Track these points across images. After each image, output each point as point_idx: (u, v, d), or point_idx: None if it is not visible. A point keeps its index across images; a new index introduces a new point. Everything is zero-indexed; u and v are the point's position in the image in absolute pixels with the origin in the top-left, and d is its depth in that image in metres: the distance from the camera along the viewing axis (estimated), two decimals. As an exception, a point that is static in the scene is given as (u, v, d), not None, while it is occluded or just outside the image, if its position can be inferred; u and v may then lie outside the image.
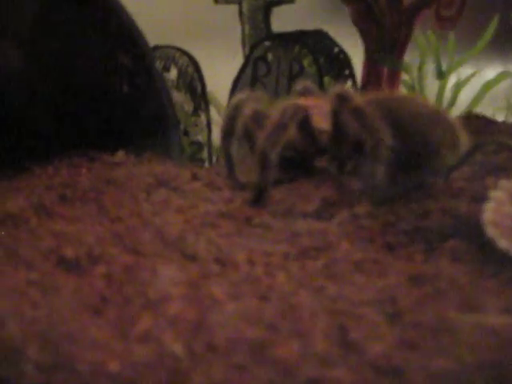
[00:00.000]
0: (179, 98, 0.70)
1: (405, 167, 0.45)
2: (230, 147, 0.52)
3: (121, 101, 0.59)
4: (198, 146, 0.72)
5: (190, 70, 0.70)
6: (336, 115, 0.47)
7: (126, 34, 0.59)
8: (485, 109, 0.72)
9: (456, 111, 0.72)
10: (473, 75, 0.72)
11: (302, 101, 0.50)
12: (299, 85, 0.56)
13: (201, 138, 0.72)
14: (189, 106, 0.71)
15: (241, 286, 0.37)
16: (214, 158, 0.73)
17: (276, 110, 0.47)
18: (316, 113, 0.50)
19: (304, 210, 0.45)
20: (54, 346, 0.30)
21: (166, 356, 0.31)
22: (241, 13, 0.69)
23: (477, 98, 0.72)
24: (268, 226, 0.44)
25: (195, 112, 0.71)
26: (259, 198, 0.46)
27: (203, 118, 0.71)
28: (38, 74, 0.60)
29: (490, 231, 0.40)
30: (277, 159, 0.45)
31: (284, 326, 0.33)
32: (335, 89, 0.47)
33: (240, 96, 0.52)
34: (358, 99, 0.46)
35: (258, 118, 0.49)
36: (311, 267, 0.39)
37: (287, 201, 0.47)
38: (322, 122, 0.49)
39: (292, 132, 0.46)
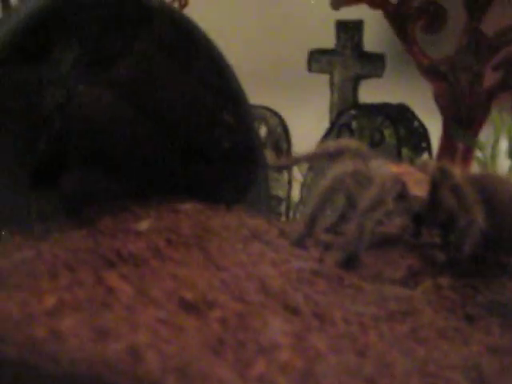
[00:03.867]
0: (266, 155, 0.76)
1: (493, 247, 0.50)
2: (321, 215, 0.54)
3: (220, 156, 0.65)
4: (278, 200, 0.78)
5: (279, 129, 0.76)
6: (435, 187, 0.51)
7: (232, 91, 0.64)
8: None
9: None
10: (544, 156, 0.76)
11: (394, 168, 0.54)
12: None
13: (281, 192, 0.78)
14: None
15: (339, 341, 0.42)
16: (291, 213, 0.78)
17: (375, 184, 0.50)
18: (408, 179, 0.53)
19: (391, 277, 0.50)
20: (189, 380, 0.35)
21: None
22: (331, 82, 0.75)
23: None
24: (359, 287, 0.49)
25: (278, 169, 0.77)
26: (351, 261, 0.51)
27: (285, 175, 0.77)
28: (145, 125, 0.66)
29: None
30: (373, 230, 0.50)
31: (381, 381, 0.38)
32: (437, 163, 0.51)
33: (343, 168, 0.52)
34: (459, 177, 0.50)
35: (358, 179, 0.51)
36: (399, 330, 0.44)
37: (375, 266, 0.51)
38: (415, 188, 0.53)
39: (390, 205, 0.50)
